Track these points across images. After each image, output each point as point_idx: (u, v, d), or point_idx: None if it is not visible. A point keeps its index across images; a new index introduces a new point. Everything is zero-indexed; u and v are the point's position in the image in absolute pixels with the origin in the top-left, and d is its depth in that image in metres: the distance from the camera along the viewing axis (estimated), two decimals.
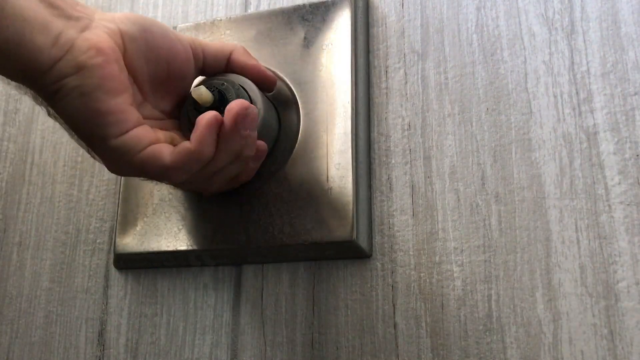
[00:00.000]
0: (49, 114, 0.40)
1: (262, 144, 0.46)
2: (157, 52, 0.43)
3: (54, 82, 0.38)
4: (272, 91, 0.49)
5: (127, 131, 0.40)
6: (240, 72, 0.47)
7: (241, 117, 0.41)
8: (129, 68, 0.41)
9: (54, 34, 0.38)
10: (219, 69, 0.47)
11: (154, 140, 0.41)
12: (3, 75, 0.39)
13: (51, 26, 0.38)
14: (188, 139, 0.42)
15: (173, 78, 0.45)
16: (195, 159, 0.41)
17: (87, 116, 0.39)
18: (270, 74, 0.48)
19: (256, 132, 0.44)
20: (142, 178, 0.43)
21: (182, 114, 0.46)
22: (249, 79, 0.47)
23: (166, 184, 0.45)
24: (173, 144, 0.42)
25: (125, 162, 0.40)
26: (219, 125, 0.41)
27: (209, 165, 0.42)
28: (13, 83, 0.39)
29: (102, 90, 0.38)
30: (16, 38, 0.36)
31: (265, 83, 0.48)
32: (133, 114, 0.40)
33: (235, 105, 0.42)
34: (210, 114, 0.41)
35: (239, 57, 0.47)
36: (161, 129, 0.44)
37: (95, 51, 0.39)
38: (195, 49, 0.45)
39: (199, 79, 0.47)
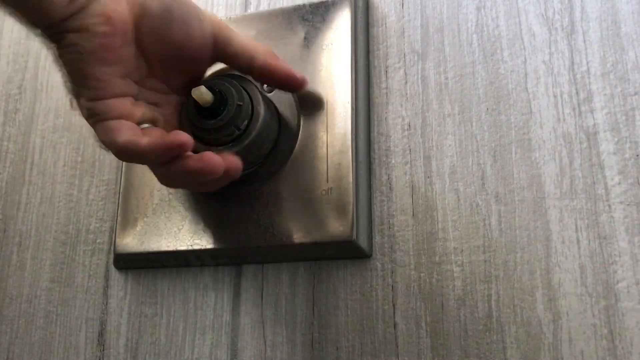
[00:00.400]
0: (54, 58, 0.43)
1: (235, 161, 0.44)
2: (170, 36, 0.43)
3: (59, 33, 0.40)
4: (300, 91, 0.48)
5: (102, 99, 0.41)
6: (268, 78, 0.46)
7: (197, 171, 0.41)
8: (139, 41, 0.42)
9: None
10: (238, 67, 0.46)
11: (126, 114, 0.41)
12: (16, 16, 0.40)
13: None
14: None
15: (185, 63, 0.45)
16: (139, 156, 0.41)
17: (72, 72, 0.41)
18: (299, 74, 0.47)
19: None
20: (99, 144, 0.43)
21: (183, 112, 0.46)
22: (277, 83, 0.46)
23: None
24: (154, 124, 0.44)
25: (89, 124, 0.42)
26: (179, 152, 0.41)
27: (156, 170, 0.43)
28: (27, 26, 0.41)
29: (94, 57, 0.40)
30: None
31: (294, 84, 0.47)
32: (116, 86, 0.41)
33: (202, 161, 0.41)
34: (180, 138, 0.40)
35: (266, 62, 0.46)
36: (163, 103, 0.45)
37: (104, 19, 0.40)
38: (217, 40, 0.45)
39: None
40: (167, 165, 0.42)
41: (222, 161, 0.42)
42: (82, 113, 0.42)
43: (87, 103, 0.41)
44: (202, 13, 0.44)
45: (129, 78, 0.42)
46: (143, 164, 0.44)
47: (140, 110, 0.43)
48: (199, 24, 0.44)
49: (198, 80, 0.46)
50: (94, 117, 0.41)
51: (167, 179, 0.45)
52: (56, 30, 0.40)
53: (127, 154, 0.41)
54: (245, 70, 0.46)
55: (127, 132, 0.41)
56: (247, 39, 0.47)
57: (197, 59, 0.45)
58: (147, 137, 0.41)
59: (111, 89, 0.41)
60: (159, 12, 0.42)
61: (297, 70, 0.47)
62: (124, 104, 0.42)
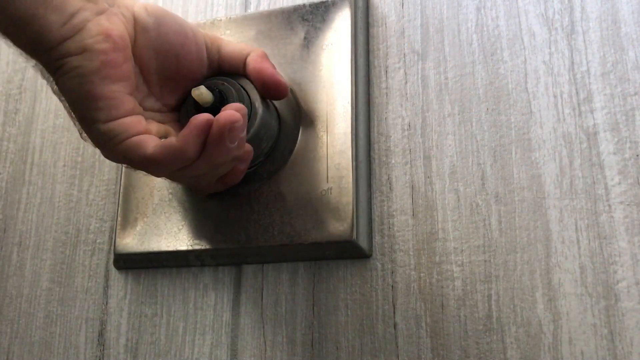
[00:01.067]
0: (53, 91, 0.42)
1: (247, 146, 0.45)
2: (167, 47, 0.43)
3: (57, 59, 0.39)
4: (282, 99, 0.48)
5: (116, 118, 0.40)
6: (254, 77, 0.46)
7: (227, 130, 0.41)
8: (137, 58, 0.42)
9: (69, 13, 0.39)
10: (235, 70, 0.47)
11: (143, 130, 0.41)
12: (14, 44, 0.40)
13: (67, 5, 0.39)
14: None
15: (182, 74, 0.45)
16: (177, 156, 0.41)
17: (80, 97, 0.40)
18: (284, 82, 0.47)
19: (244, 133, 0.43)
20: (125, 166, 0.43)
21: (182, 113, 0.46)
22: (261, 84, 0.46)
23: (154, 175, 0.45)
24: (166, 137, 0.42)
25: (109, 148, 0.41)
26: (209, 130, 0.41)
27: (190, 168, 0.42)
28: (24, 55, 0.41)
29: (100, 76, 0.39)
30: (29, 13, 0.37)
31: (277, 90, 0.47)
32: (127, 103, 0.41)
33: (223, 117, 0.41)
34: (203, 117, 0.41)
35: (254, 61, 0.46)
36: (162, 121, 0.44)
37: (103, 37, 0.39)
38: (210, 49, 0.46)
39: None
40: (199, 155, 0.41)
41: (233, 111, 0.41)
42: (95, 141, 0.41)
43: (103, 126, 0.40)
44: (191, 24, 0.45)
45: (133, 97, 0.42)
46: (174, 172, 0.42)
47: (154, 126, 0.43)
48: (193, 34, 0.44)
49: None
50: (113, 140, 0.40)
51: (204, 176, 0.44)
52: (55, 55, 0.39)
53: (160, 160, 0.40)
54: (241, 69, 0.47)
55: (153, 142, 0.40)
56: (242, 43, 0.48)
57: (193, 72, 0.45)
58: (174, 138, 0.41)
59: (124, 105, 0.40)
60: (154, 26, 0.42)
61: (282, 78, 0.47)
62: (139, 121, 0.41)
